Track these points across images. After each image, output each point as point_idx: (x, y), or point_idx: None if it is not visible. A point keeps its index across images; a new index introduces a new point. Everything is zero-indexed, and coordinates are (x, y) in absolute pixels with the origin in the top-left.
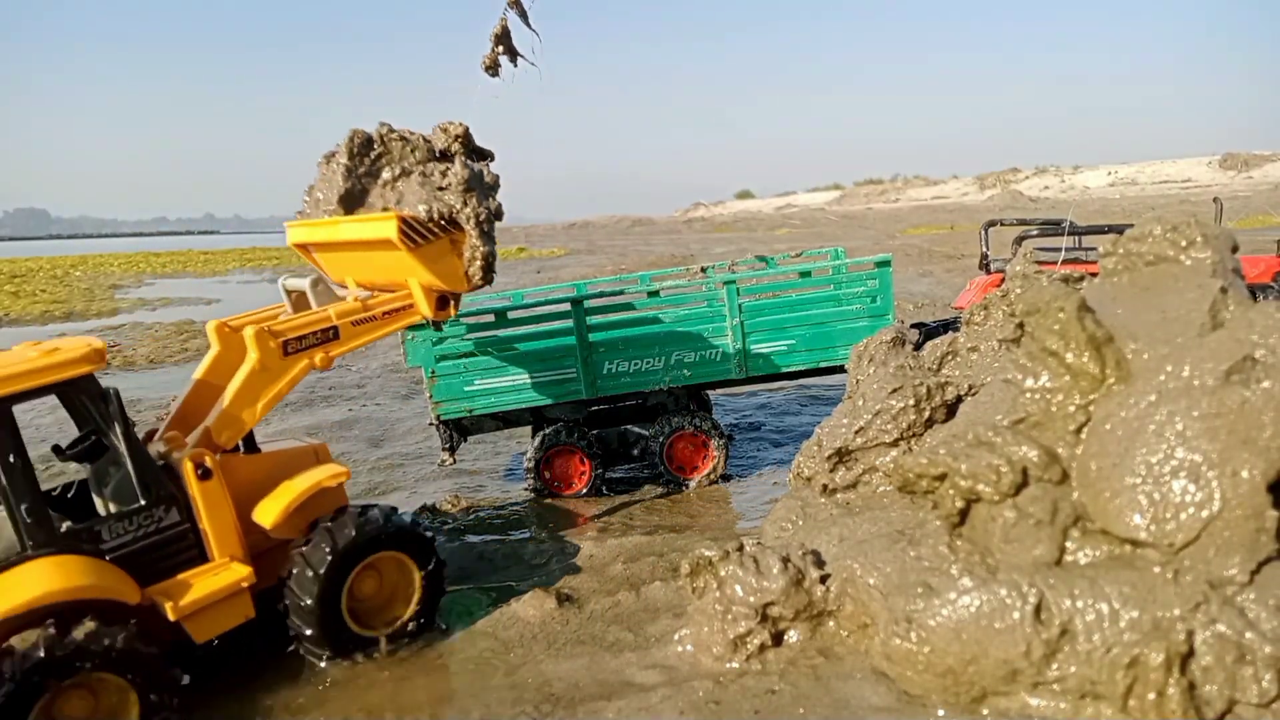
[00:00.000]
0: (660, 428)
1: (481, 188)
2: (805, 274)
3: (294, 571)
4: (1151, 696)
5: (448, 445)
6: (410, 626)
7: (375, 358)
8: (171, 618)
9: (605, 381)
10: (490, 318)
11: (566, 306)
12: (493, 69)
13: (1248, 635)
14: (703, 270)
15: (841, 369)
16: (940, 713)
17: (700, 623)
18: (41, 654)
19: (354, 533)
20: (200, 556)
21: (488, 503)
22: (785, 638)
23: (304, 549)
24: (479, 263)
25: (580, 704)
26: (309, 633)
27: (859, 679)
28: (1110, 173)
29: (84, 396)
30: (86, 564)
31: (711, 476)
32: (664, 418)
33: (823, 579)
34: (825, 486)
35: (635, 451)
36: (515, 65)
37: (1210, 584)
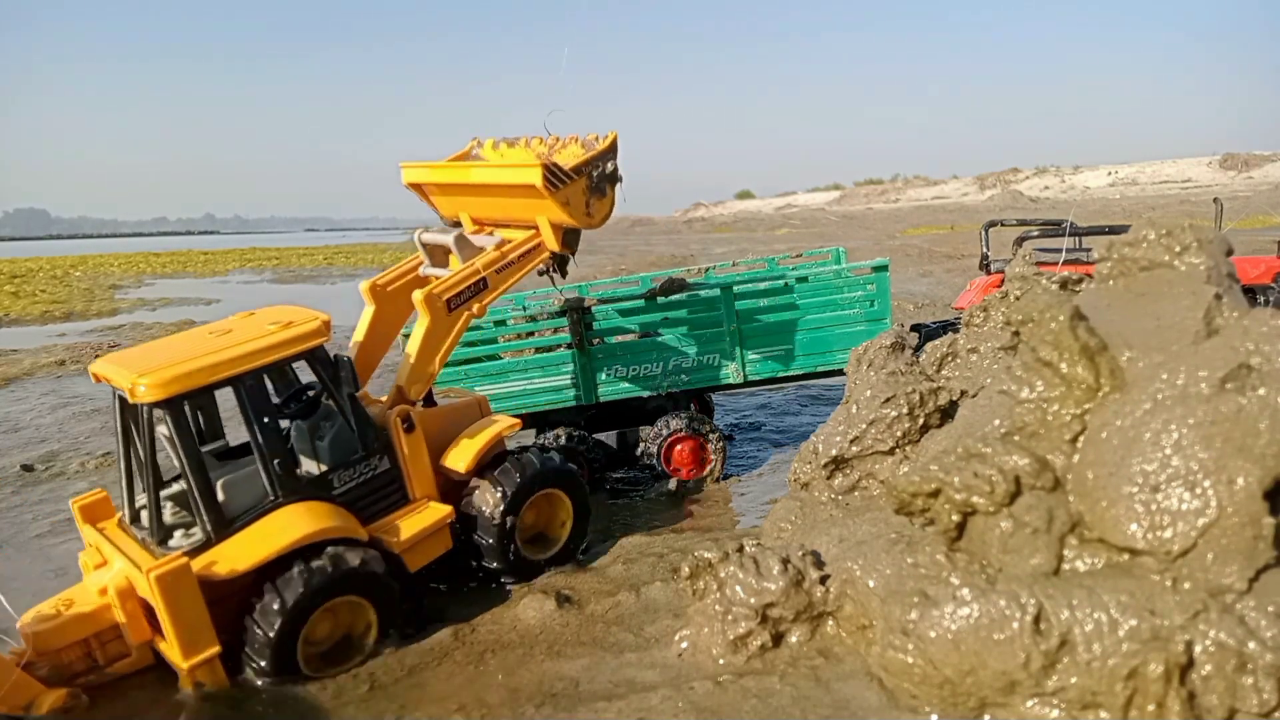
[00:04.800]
0: (659, 430)
1: (607, 159)
2: (803, 279)
3: (476, 515)
4: (1152, 707)
5: None
6: (567, 548)
7: None
8: (395, 551)
9: (605, 387)
10: (489, 324)
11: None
12: None
13: (1249, 644)
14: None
15: (840, 373)
16: (934, 717)
17: (700, 624)
18: (312, 580)
19: (519, 477)
20: (404, 498)
21: None
22: (785, 639)
23: (474, 496)
24: (598, 200)
25: (580, 704)
26: (496, 565)
27: (859, 680)
28: (1110, 173)
29: (318, 363)
30: (327, 508)
31: (711, 478)
32: (663, 420)
33: (822, 580)
34: (823, 492)
35: (635, 454)
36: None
37: (1209, 592)
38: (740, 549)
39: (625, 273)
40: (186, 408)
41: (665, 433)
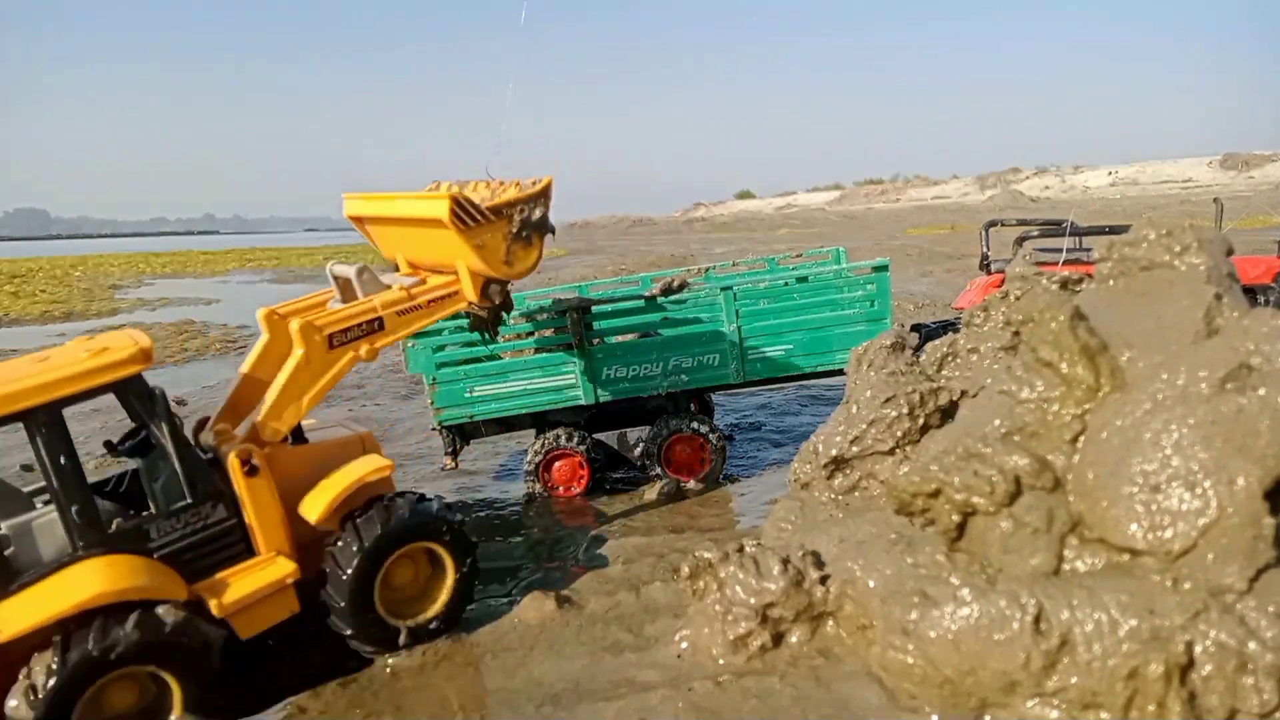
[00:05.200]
0: (659, 430)
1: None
2: (803, 279)
3: (328, 571)
4: (1152, 708)
5: (450, 450)
6: (442, 617)
7: None
8: (216, 614)
9: (605, 387)
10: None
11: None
12: None
13: (1249, 644)
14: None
15: (840, 373)
16: (934, 717)
17: (700, 624)
18: (90, 650)
19: (379, 529)
20: (248, 551)
21: (487, 503)
22: (785, 639)
23: (335, 547)
24: (521, 249)
25: (580, 704)
26: (348, 631)
27: (859, 680)
28: (1111, 173)
29: (132, 396)
30: (135, 563)
31: (710, 478)
32: (662, 420)
33: (822, 580)
34: (823, 492)
35: (635, 454)
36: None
37: (1209, 592)
38: (740, 549)
39: (625, 273)
40: None
41: (665, 433)
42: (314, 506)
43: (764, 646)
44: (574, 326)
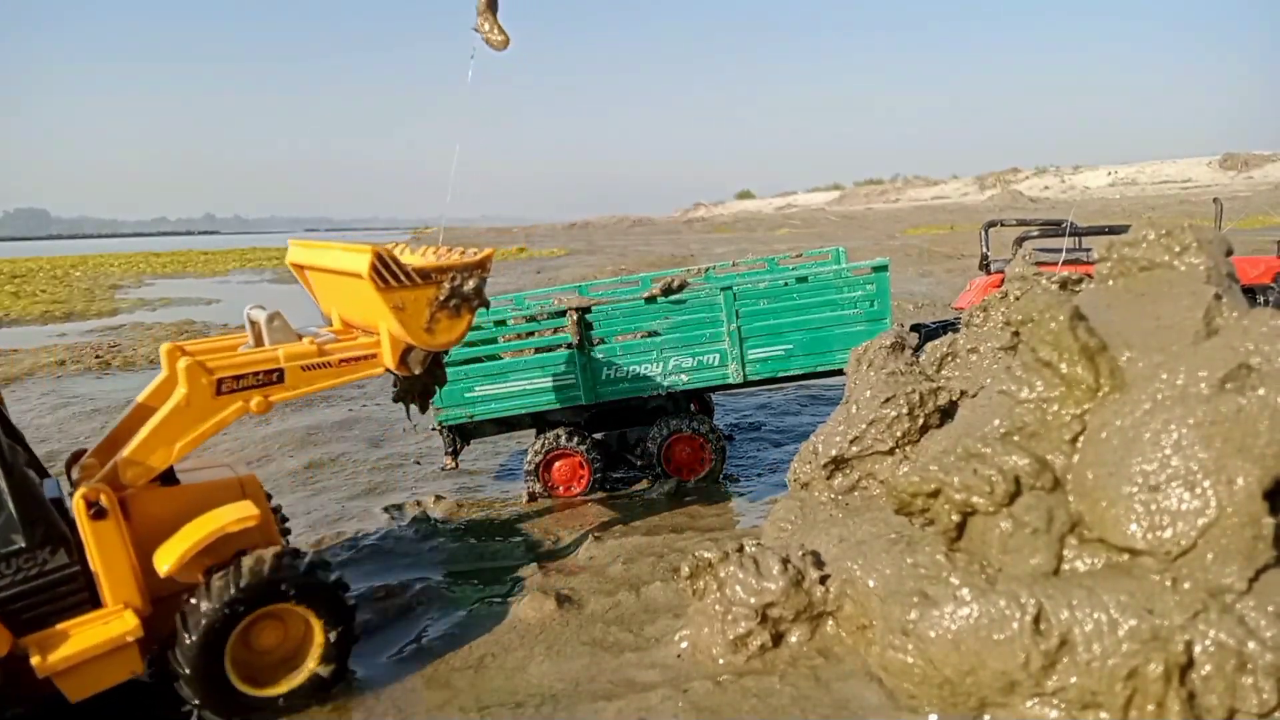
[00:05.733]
0: (659, 430)
1: (470, 274)
2: (802, 279)
3: (176, 632)
4: (1151, 707)
5: (450, 450)
6: (306, 688)
7: None
8: (39, 674)
9: (605, 387)
10: (490, 324)
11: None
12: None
13: (1249, 644)
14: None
15: (840, 372)
16: (933, 717)
17: (700, 624)
18: None
19: (232, 588)
20: (92, 601)
21: (486, 503)
22: (785, 639)
23: (186, 604)
24: (447, 318)
25: (580, 704)
26: (196, 700)
27: (859, 680)
28: (1110, 173)
29: None
30: None
31: (710, 478)
32: (662, 420)
33: (822, 580)
34: (823, 492)
35: (635, 453)
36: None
37: (1209, 592)
38: (740, 549)
39: (625, 273)
40: None
41: (665, 433)
42: (166, 557)
43: (763, 646)
44: (574, 326)
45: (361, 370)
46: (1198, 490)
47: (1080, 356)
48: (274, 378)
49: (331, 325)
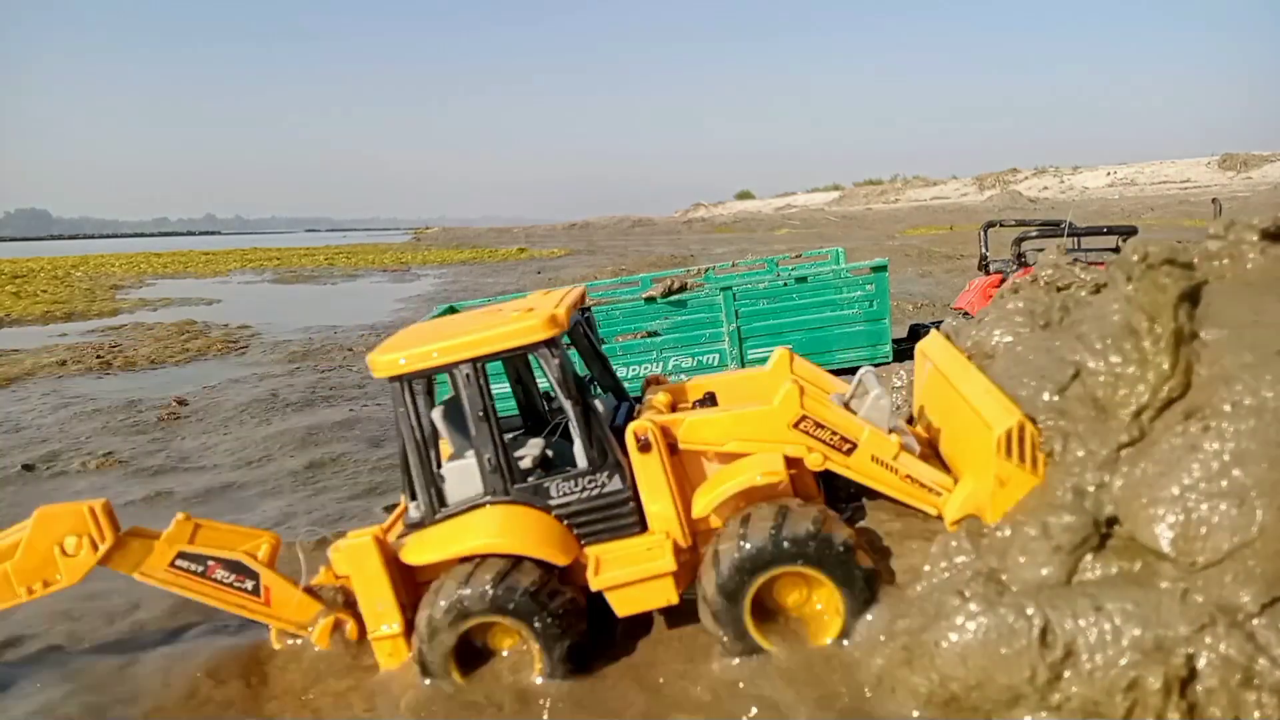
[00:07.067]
0: None
1: None
2: (802, 279)
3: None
4: (1151, 719)
5: None
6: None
7: None
8: (593, 587)
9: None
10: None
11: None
12: None
13: (1258, 660)
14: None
15: (840, 372)
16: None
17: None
18: (463, 596)
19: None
20: (640, 524)
21: None
22: None
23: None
24: None
25: (593, 697)
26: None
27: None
28: (1109, 173)
29: (549, 358)
30: (531, 519)
31: None
32: None
33: None
34: None
35: None
36: None
37: (1219, 608)
38: None
39: (625, 273)
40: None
41: None
42: (702, 500)
43: None
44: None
45: (915, 497)
46: (1245, 508)
47: (1169, 339)
48: (845, 448)
49: (913, 423)
